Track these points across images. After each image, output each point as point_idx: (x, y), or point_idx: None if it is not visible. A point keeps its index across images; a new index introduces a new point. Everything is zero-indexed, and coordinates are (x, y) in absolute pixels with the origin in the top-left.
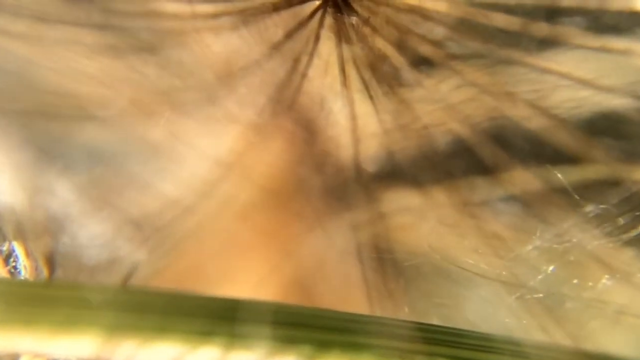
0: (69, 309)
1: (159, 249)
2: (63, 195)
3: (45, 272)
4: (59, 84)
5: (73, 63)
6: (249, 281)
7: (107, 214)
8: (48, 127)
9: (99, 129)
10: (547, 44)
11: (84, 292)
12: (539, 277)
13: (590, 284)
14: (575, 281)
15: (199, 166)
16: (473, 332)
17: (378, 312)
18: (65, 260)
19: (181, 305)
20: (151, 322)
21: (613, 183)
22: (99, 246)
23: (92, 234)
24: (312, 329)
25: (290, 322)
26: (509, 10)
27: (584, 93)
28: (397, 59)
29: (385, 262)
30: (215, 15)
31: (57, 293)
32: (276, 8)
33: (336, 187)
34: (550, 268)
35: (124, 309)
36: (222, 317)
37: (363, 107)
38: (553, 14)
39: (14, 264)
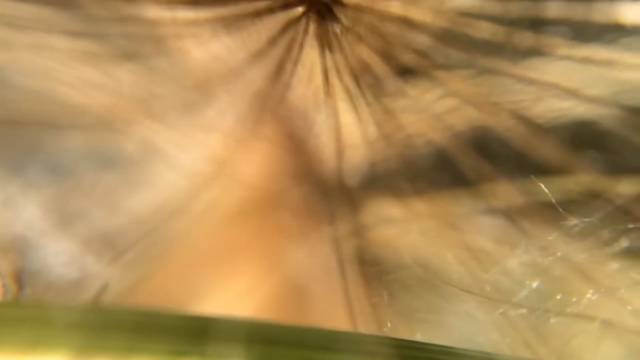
0: (36, 329)
1: (133, 264)
2: (30, 210)
3: (13, 290)
4: (31, 92)
5: (46, 70)
6: (228, 295)
7: (78, 230)
8: (17, 137)
9: (73, 138)
10: (531, 54)
11: (52, 312)
12: (523, 292)
13: (574, 299)
14: (559, 296)
15: (177, 177)
16: (456, 349)
17: (361, 326)
18: (33, 278)
19: (152, 324)
20: (121, 342)
21: (597, 196)
22: (68, 263)
23: (61, 251)
24: (288, 347)
25: (266, 339)
26: (494, 20)
27: (569, 103)
28: (382, 69)
29: (368, 275)
30: (196, 22)
31: (24, 312)
32: (259, 15)
33: (319, 198)
34: (535, 284)
35: (94, 328)
36: (195, 336)
37: (347, 117)
38: (538, 25)
39: None
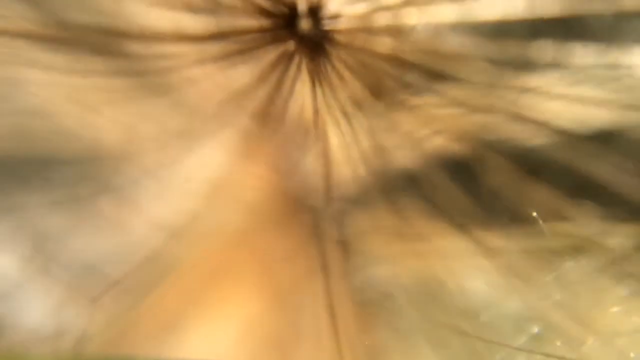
0: None
1: (118, 303)
2: (5, 258)
3: None
4: (14, 129)
5: (31, 106)
6: (211, 335)
7: (57, 275)
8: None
9: (55, 175)
10: (524, 93)
11: None
12: (522, 337)
13: (574, 345)
14: (559, 342)
15: (162, 214)
16: None
17: None
18: (9, 328)
19: None
20: None
21: (593, 243)
22: (46, 312)
23: (39, 298)
24: None
25: None
26: (485, 60)
27: (561, 142)
28: (373, 105)
29: (360, 317)
30: (185, 58)
31: None
32: (248, 50)
33: (309, 237)
34: (534, 329)
35: None
36: None
37: (338, 153)
38: (531, 65)
39: None
